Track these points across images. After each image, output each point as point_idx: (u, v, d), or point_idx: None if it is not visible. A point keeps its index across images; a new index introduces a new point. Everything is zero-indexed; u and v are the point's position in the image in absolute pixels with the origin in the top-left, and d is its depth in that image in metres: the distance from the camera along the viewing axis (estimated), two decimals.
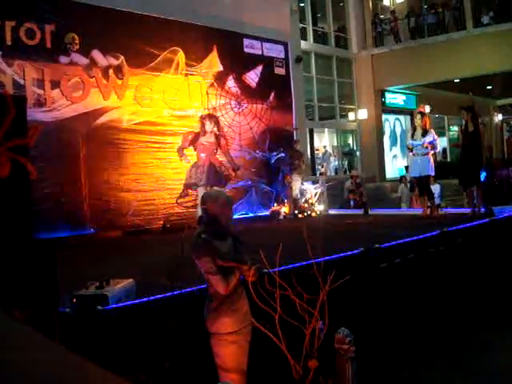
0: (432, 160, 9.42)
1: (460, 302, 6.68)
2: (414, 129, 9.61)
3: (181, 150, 8.86)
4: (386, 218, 10.63)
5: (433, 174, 9.57)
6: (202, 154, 8.36)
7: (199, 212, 8.22)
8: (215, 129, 8.58)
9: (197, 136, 8.48)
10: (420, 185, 9.80)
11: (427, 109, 10.48)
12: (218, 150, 8.65)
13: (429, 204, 9.62)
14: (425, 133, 9.33)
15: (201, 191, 8.36)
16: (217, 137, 8.50)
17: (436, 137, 9.51)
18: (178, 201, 9.62)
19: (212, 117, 8.78)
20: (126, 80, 10.16)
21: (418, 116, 9.55)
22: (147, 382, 3.45)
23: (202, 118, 8.72)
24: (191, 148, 9.13)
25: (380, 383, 5.17)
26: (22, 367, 0.96)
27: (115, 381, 0.92)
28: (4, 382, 0.88)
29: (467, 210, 9.59)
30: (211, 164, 8.28)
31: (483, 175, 9.09)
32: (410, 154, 9.76)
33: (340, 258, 5.74)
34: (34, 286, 3.53)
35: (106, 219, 9.66)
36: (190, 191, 8.98)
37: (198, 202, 8.32)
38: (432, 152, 9.36)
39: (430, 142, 9.27)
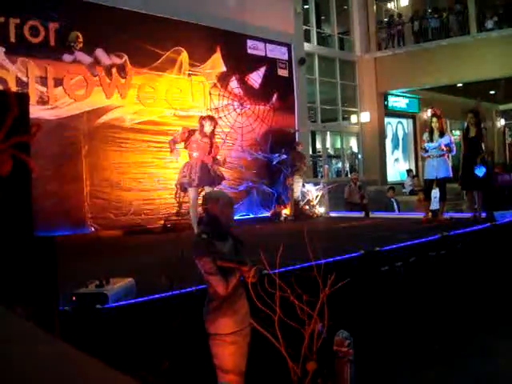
0: (449, 162, 9.31)
1: (460, 305, 6.68)
2: (431, 132, 9.31)
3: (172, 143, 8.65)
4: (386, 221, 10.63)
5: (451, 175, 9.37)
6: (195, 154, 8.23)
7: (192, 215, 8.20)
8: (211, 130, 8.40)
9: (191, 134, 8.36)
10: (428, 189, 9.67)
11: (429, 113, 10.42)
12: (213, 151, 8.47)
13: (437, 207, 9.59)
14: (442, 135, 9.18)
15: (191, 192, 8.22)
16: (211, 138, 8.38)
17: (453, 139, 9.40)
18: (181, 210, 9.49)
19: (212, 119, 8.67)
20: (129, 79, 10.17)
21: (434, 119, 9.34)
22: (148, 379, 3.45)
23: (202, 119, 8.58)
24: (182, 145, 8.88)
25: None
26: (28, 362, 0.96)
27: (117, 376, 0.92)
28: (6, 378, 0.88)
29: (468, 215, 9.58)
30: (204, 164, 8.15)
31: (481, 171, 8.91)
32: (425, 155, 9.47)
33: (340, 260, 5.74)
34: (34, 284, 3.53)
35: (106, 218, 9.66)
36: (182, 194, 8.87)
37: (191, 202, 8.27)
38: (447, 154, 9.21)
39: (447, 144, 9.10)
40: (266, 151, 12.51)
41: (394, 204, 13.96)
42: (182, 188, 8.51)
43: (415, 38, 19.36)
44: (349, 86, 19.43)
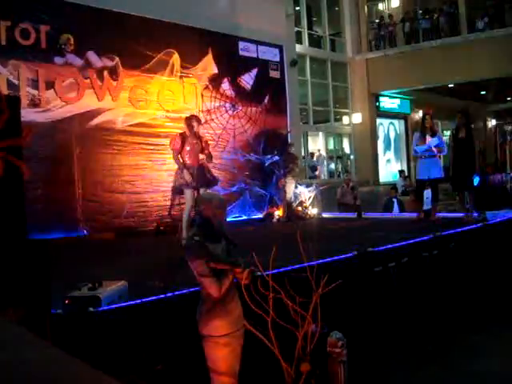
0: (441, 162, 9.29)
1: (453, 305, 6.70)
2: (422, 131, 9.24)
3: (176, 159, 8.45)
4: (379, 221, 10.65)
5: (443, 176, 9.34)
6: (190, 155, 8.15)
7: (185, 217, 8.14)
8: (199, 129, 8.33)
9: (184, 138, 8.25)
10: (420, 189, 9.71)
11: (420, 113, 10.44)
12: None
13: (428, 207, 9.62)
14: (434, 134, 9.13)
15: (188, 193, 8.13)
16: (199, 136, 8.31)
17: (443, 139, 9.39)
18: (172, 212, 9.45)
19: (197, 118, 8.60)
20: (120, 81, 10.15)
21: (428, 117, 9.26)
22: (138, 382, 3.44)
23: (190, 120, 8.41)
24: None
25: None
26: (15, 367, 0.96)
27: (107, 381, 0.92)
28: None
29: (460, 215, 9.61)
30: (200, 165, 8.10)
31: (476, 180, 8.98)
32: (416, 155, 9.41)
33: (333, 261, 5.74)
34: (27, 287, 3.52)
35: (99, 221, 9.63)
36: (177, 197, 8.81)
37: (187, 203, 8.21)
38: (439, 155, 9.17)
39: (438, 145, 9.05)
40: (259, 153, 12.52)
41: (395, 204, 13.81)
42: (178, 190, 8.46)
43: (406, 39, 19.44)
44: (340, 87, 19.48)
